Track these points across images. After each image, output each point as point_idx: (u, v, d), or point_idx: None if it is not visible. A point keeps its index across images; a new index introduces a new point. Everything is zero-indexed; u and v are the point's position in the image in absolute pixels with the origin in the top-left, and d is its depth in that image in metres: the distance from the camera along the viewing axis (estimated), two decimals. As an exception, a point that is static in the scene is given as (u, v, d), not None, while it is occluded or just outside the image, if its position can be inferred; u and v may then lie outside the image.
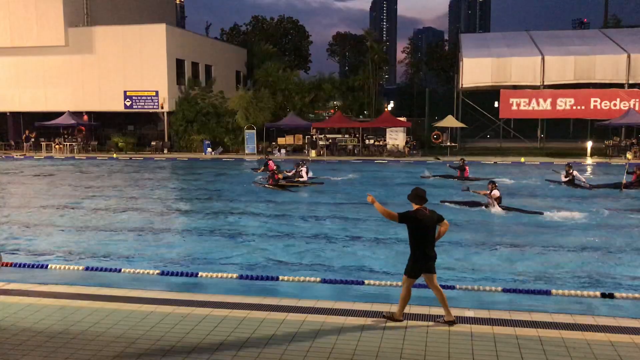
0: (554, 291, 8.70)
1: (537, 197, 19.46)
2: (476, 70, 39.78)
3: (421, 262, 7.10)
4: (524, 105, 38.93)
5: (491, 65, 39.66)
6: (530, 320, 7.22)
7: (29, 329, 6.90)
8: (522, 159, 33.23)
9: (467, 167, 23.74)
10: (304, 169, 22.70)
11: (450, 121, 39.76)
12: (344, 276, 9.89)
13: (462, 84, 40.51)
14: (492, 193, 16.39)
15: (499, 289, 8.84)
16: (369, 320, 7.17)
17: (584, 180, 21.78)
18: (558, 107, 38.45)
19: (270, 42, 59.20)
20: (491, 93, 42.24)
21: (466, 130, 42.72)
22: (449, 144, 39.64)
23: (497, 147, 40.90)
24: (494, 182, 16.85)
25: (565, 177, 21.71)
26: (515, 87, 40.07)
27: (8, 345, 6.39)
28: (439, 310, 7.30)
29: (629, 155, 30.74)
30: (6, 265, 9.48)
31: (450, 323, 7.03)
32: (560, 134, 45.76)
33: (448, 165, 25.73)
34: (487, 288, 8.87)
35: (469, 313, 7.48)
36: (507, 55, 39.93)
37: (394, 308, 7.37)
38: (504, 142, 42.27)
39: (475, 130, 43.91)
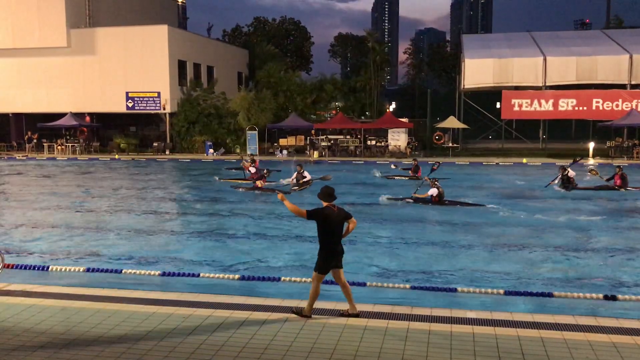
0: (556, 293, 8.69)
1: (536, 199, 19.45)
2: (478, 71, 39.77)
3: (330, 258, 7.28)
4: (526, 106, 38.90)
5: (493, 66, 39.64)
6: (532, 321, 7.20)
7: (31, 329, 6.91)
8: (525, 160, 33.20)
9: (420, 167, 24.77)
10: (304, 171, 21.95)
11: (452, 122, 39.74)
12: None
13: (464, 85, 40.49)
14: (430, 191, 17.38)
15: (501, 291, 8.83)
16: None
17: (572, 181, 21.41)
18: (560, 108, 38.41)
19: (272, 43, 59.28)
20: (493, 94, 42.22)
21: (468, 131, 42.70)
22: (450, 144, 39.62)
23: (499, 148, 40.87)
24: (435, 179, 18.13)
25: (560, 179, 21.43)
26: (517, 88, 40.06)
27: (10, 346, 6.40)
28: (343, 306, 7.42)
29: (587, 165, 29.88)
30: (8, 267, 9.48)
31: (355, 316, 7.30)
32: (563, 134, 45.70)
33: (400, 167, 26.31)
34: (490, 291, 8.87)
35: (471, 314, 7.47)
36: (509, 56, 39.90)
37: (304, 304, 7.46)
38: (505, 143, 42.24)
39: (477, 131, 43.88)
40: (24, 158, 38.28)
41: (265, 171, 21.53)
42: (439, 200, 17.34)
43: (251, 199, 19.64)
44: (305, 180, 21.33)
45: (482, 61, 39.96)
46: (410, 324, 7.05)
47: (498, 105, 41.64)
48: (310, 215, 7.29)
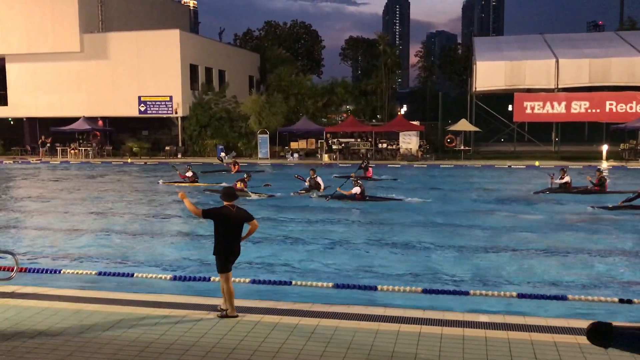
0: (570, 296, 8.62)
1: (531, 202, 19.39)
2: (490, 73, 39.60)
3: (225, 256, 7.40)
4: (538, 109, 38.66)
5: (505, 69, 39.46)
6: (546, 325, 7.15)
7: (45, 332, 6.96)
8: (537, 163, 32.99)
9: (370, 168, 25.89)
10: (317, 176, 21.45)
11: (463, 125, 39.59)
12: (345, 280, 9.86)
13: (475, 88, 40.33)
14: (354, 189, 18.94)
15: (514, 294, 8.77)
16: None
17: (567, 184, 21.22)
18: (573, 110, 38.13)
19: (283, 47, 59.42)
20: (505, 96, 42.01)
21: (480, 134, 42.50)
22: (462, 147, 39.46)
23: (511, 150, 40.64)
24: (357, 179, 19.84)
25: (560, 180, 21.25)
26: (529, 90, 39.82)
27: (24, 349, 6.44)
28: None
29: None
30: (22, 270, 9.56)
31: (230, 317, 7.36)
32: (575, 137, 45.34)
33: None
34: (503, 293, 8.81)
35: (483, 318, 7.42)
36: (521, 59, 39.69)
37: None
38: (518, 145, 41.99)
39: (489, 134, 43.66)
40: (38, 162, 38.63)
41: (246, 175, 21.42)
42: (361, 197, 19.00)
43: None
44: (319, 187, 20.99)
45: (494, 64, 39.78)
46: (422, 328, 7.02)
47: (510, 107, 41.41)
48: (207, 214, 7.43)
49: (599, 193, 20.16)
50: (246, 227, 7.69)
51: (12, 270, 8.96)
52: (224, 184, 21.22)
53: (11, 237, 14.40)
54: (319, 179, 21.09)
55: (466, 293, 8.85)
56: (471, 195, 21.38)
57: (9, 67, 43.40)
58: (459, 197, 20.88)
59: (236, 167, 27.84)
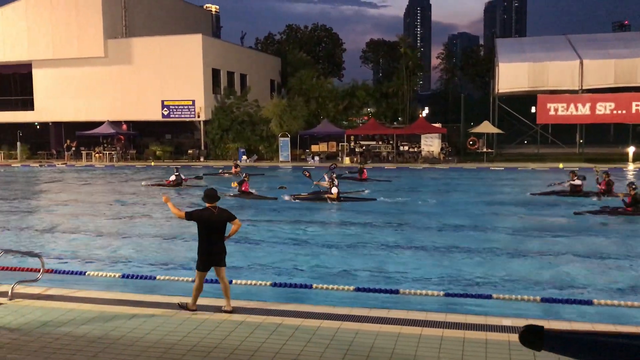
0: (595, 301, 8.49)
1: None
2: (512, 75, 39.21)
3: (207, 256, 7.74)
4: (562, 110, 38.16)
5: (528, 70, 39.04)
6: (570, 330, 7.04)
7: (70, 333, 7.07)
8: (561, 165, 32.55)
9: (365, 170, 26.61)
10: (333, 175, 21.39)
11: (486, 127, 39.26)
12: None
13: (498, 90, 39.97)
14: (332, 188, 19.74)
15: (538, 298, 8.67)
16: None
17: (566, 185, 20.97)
18: (597, 112, 37.54)
19: (304, 50, 59.57)
20: (528, 98, 41.56)
21: (502, 136, 42.10)
22: (485, 150, 39.13)
23: (534, 153, 40.17)
24: (335, 178, 20.52)
25: (569, 184, 20.85)
26: (552, 92, 39.32)
27: (50, 349, 6.55)
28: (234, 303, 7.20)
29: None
30: (48, 272, 9.71)
31: (229, 312, 7.72)
32: (600, 139, 44.66)
33: (347, 172, 29.14)
34: (526, 297, 8.71)
35: (506, 322, 7.35)
36: (544, 60, 39.21)
37: (188, 299, 7.93)
38: (541, 147, 41.49)
39: (512, 136, 43.22)
40: (63, 165, 39.25)
41: (245, 175, 21.81)
42: (337, 197, 19.79)
43: (252, 205, 19.70)
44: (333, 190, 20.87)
45: (517, 65, 39.38)
46: (444, 332, 6.98)
47: (533, 109, 40.95)
48: (189, 216, 7.79)
49: (631, 214, 16.37)
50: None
51: (39, 271, 9.13)
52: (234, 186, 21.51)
53: (37, 239, 14.66)
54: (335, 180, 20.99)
55: (489, 297, 8.77)
56: (472, 198, 21.35)
57: (36, 73, 44.18)
58: (460, 200, 20.73)
59: (237, 169, 28.81)
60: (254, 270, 11.13)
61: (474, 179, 28.88)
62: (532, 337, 5.15)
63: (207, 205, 7.89)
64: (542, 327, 5.15)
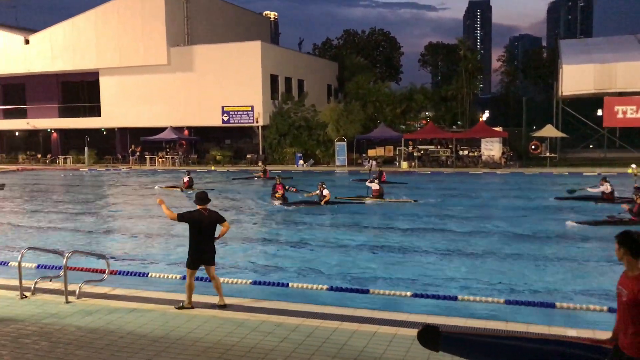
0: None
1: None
2: (577, 77, 37.88)
3: (197, 255, 8.19)
4: (631, 113, 36.58)
5: (594, 72, 37.62)
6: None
7: (133, 332, 7.29)
8: (630, 170, 31.16)
9: (384, 173, 27.33)
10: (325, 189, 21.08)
11: (549, 131, 38.11)
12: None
13: (561, 92, 38.75)
14: (323, 192, 20.23)
15: (605, 308, 8.31)
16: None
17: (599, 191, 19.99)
18: (670, 114, 35.80)
19: (362, 55, 59.50)
20: (594, 101, 40.06)
21: (567, 140, 40.76)
22: (548, 154, 37.97)
23: (601, 157, 38.67)
24: (322, 182, 20.98)
25: (597, 189, 19.97)
26: (621, 94, 37.75)
27: (115, 347, 6.78)
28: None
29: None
30: (113, 273, 10.07)
31: (222, 307, 8.21)
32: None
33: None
34: (592, 307, 8.38)
35: (571, 332, 7.09)
36: (612, 61, 37.69)
37: (183, 297, 8.31)
38: (608, 152, 39.89)
39: (577, 140, 41.78)
40: (128, 170, 40.63)
41: (277, 178, 22.20)
42: (327, 201, 20.32)
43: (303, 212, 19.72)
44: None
45: (582, 67, 38.03)
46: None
47: (599, 112, 39.45)
48: (181, 217, 8.21)
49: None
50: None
51: (104, 272, 9.48)
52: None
53: (103, 241, 15.22)
54: (325, 191, 20.74)
55: (552, 305, 8.49)
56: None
57: (103, 80, 45.98)
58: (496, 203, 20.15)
59: (266, 174, 30.26)
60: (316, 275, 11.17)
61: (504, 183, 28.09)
62: (429, 337, 5.10)
63: (198, 207, 8.27)
64: (439, 327, 5.08)
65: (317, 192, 20.57)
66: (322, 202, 20.26)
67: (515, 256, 12.48)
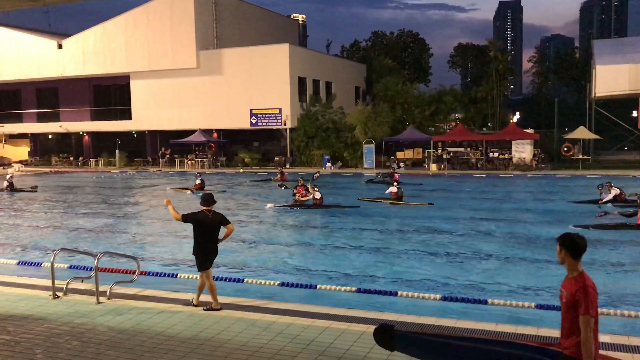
0: None
1: None
2: (611, 77, 37.11)
3: (202, 256, 8.25)
4: (668, 114, 35.70)
5: (629, 72, 36.79)
6: (678, 350, 6.52)
7: (162, 333, 7.34)
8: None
9: (396, 174, 27.61)
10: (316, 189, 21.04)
11: (582, 132, 37.40)
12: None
13: (595, 93, 38.02)
14: (315, 194, 20.42)
15: (633, 313, 8.07)
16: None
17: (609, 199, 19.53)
18: None
19: (390, 57, 59.22)
20: (629, 102, 39.20)
21: (600, 142, 39.95)
22: (580, 156, 37.25)
23: (636, 159, 37.77)
24: (316, 186, 21.35)
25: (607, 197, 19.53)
26: (657, 94, 36.89)
27: (144, 348, 6.83)
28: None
29: None
30: (143, 274, 10.16)
31: (214, 310, 8.17)
32: None
33: (381, 176, 30.98)
34: (627, 313, 8.15)
35: (605, 338, 6.90)
36: (648, 61, 36.85)
37: (211, 298, 8.32)
38: (644, 154, 39.00)
39: (611, 142, 40.93)
40: (158, 172, 41.14)
41: (300, 179, 22.02)
42: (320, 202, 20.41)
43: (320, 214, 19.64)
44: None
45: (616, 67, 37.22)
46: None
47: (634, 113, 38.56)
48: (185, 218, 8.31)
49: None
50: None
51: (135, 273, 9.58)
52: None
53: (133, 242, 15.40)
54: (317, 194, 20.67)
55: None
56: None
57: (133, 84, 46.68)
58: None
59: (284, 176, 30.49)
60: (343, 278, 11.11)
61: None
62: (384, 336, 5.04)
63: (203, 208, 8.33)
64: (393, 326, 5.00)
65: (310, 196, 20.62)
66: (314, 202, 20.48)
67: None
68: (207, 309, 8.26)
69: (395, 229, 16.43)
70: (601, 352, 5.19)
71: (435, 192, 25.81)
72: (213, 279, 8.45)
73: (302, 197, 20.70)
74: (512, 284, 10.49)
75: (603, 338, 6.90)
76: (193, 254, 8.41)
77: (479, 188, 27.50)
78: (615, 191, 19.60)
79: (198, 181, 26.87)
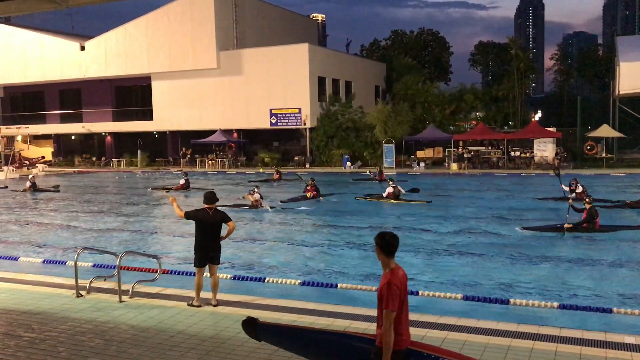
0: None
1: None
2: (635, 75, 36.52)
3: (201, 253, 8.38)
4: (694, 111, 35.02)
5: (654, 69, 36.18)
6: None
7: (184, 331, 7.41)
8: None
9: (383, 172, 29.87)
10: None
11: (605, 131, 36.86)
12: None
13: (619, 91, 37.46)
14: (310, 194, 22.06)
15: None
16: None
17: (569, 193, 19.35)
18: None
19: (410, 55, 58.97)
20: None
21: (624, 141, 39.33)
22: (604, 155, 36.72)
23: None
24: (313, 185, 22.81)
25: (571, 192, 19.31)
26: (682, 91, 36.22)
27: (166, 346, 6.91)
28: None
29: None
30: (165, 273, 10.26)
31: (215, 307, 8.33)
32: None
33: (369, 172, 32.06)
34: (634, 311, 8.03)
35: (629, 339, 6.80)
36: (673, 57, 36.21)
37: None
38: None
39: (635, 141, 40.27)
40: (179, 172, 41.44)
41: (310, 181, 23.49)
42: (316, 194, 22.30)
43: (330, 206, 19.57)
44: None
45: (641, 64, 36.64)
46: (557, 346, 6.58)
47: (660, 111, 37.94)
48: (187, 215, 8.46)
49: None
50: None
51: (156, 272, 9.67)
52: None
53: (155, 241, 15.55)
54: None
55: (609, 311, 8.17)
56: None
57: (154, 85, 47.10)
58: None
59: (279, 175, 31.33)
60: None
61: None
62: (249, 328, 5.86)
63: (205, 206, 8.42)
64: (257, 319, 5.87)
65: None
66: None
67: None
68: (190, 304, 8.44)
69: (392, 227, 16.21)
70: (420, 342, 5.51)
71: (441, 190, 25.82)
72: (225, 278, 8.72)
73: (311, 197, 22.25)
74: (503, 279, 10.40)
75: (627, 339, 6.81)
76: (194, 252, 8.54)
77: (501, 186, 27.23)
78: (579, 189, 19.74)
79: (182, 181, 27.43)
